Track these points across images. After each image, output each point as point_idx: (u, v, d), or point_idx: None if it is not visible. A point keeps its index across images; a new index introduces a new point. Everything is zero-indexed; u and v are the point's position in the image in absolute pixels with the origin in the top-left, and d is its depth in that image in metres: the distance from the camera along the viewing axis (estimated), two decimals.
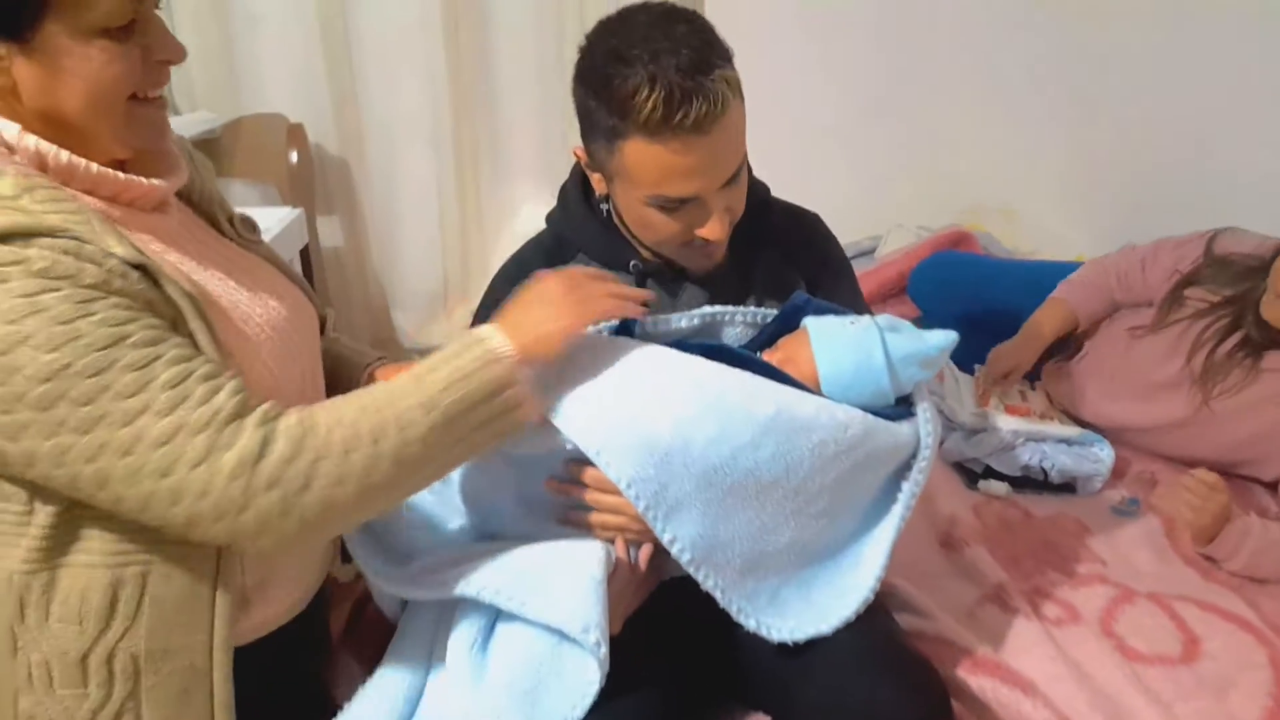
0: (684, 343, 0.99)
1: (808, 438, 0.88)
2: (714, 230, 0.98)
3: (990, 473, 1.55)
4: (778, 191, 1.18)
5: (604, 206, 1.10)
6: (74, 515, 0.76)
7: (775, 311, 1.06)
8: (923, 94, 2.43)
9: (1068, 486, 1.53)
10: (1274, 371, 1.46)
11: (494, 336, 0.82)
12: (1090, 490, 1.53)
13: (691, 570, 0.88)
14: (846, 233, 2.49)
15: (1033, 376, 1.76)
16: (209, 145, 2.02)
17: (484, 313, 1.17)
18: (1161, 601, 1.25)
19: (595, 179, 1.05)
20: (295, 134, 2.07)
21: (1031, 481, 1.53)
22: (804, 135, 2.41)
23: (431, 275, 2.41)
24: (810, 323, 1.00)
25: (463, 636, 0.90)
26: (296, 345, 0.90)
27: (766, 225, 1.13)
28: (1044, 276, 1.84)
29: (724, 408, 0.87)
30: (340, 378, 1.04)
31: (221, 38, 2.06)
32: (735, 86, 0.94)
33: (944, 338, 0.98)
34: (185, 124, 1.91)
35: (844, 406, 0.92)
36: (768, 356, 1.01)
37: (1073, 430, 1.56)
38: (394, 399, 0.77)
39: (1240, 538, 1.30)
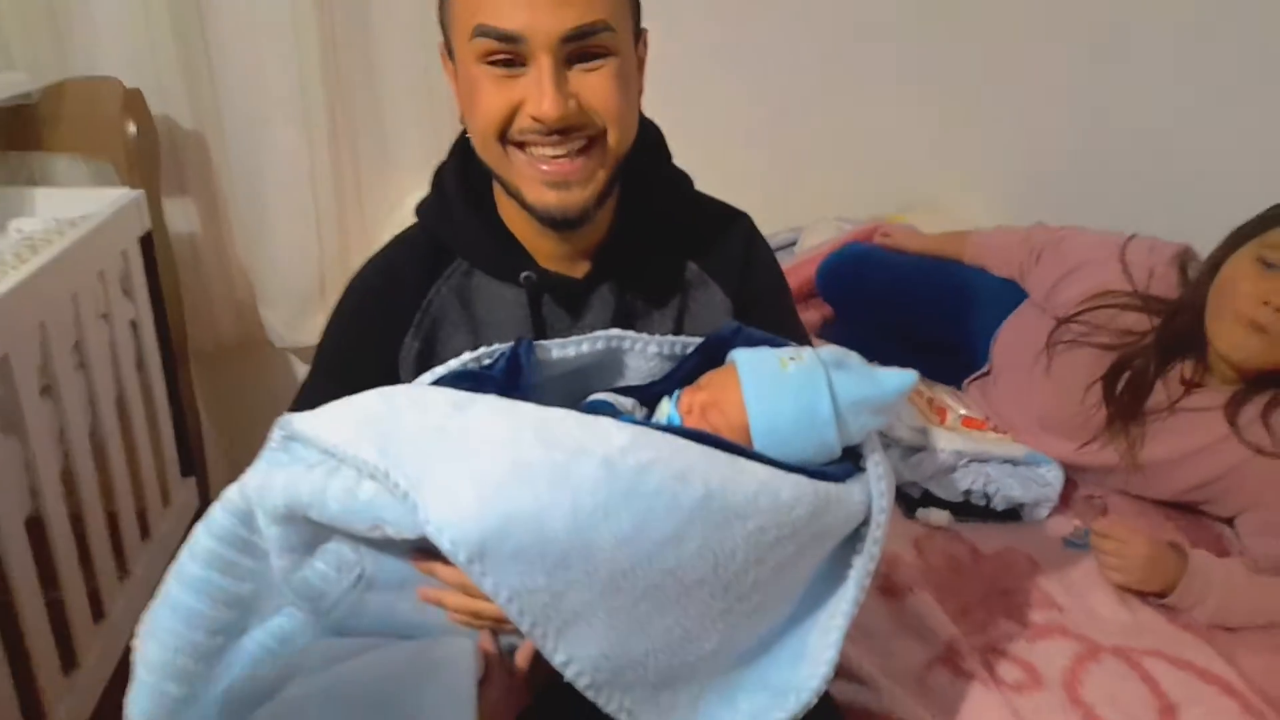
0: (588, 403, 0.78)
1: (742, 525, 0.68)
2: (544, 103, 0.74)
3: (929, 498, 1.39)
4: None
5: (487, 177, 0.87)
6: None
7: (697, 341, 0.85)
8: (847, 82, 2.27)
9: (1012, 513, 1.38)
10: (1195, 413, 1.29)
11: None
12: (1036, 518, 1.38)
13: (592, 695, 0.67)
14: (765, 224, 2.34)
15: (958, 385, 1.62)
16: (22, 113, 1.69)
17: (333, 329, 0.94)
18: (1130, 658, 1.10)
19: (448, 73, 0.84)
20: (132, 101, 1.75)
21: (973, 508, 1.38)
22: (718, 124, 2.22)
23: (306, 269, 2.12)
24: (740, 358, 0.80)
25: None
26: None
27: (691, 229, 0.93)
28: (963, 274, 1.73)
29: (642, 494, 0.65)
30: None
31: None
32: None
33: (900, 379, 0.79)
34: None
35: (790, 482, 0.71)
36: (687, 396, 0.81)
37: (1018, 449, 1.41)
38: None
39: (1202, 588, 1.17)
